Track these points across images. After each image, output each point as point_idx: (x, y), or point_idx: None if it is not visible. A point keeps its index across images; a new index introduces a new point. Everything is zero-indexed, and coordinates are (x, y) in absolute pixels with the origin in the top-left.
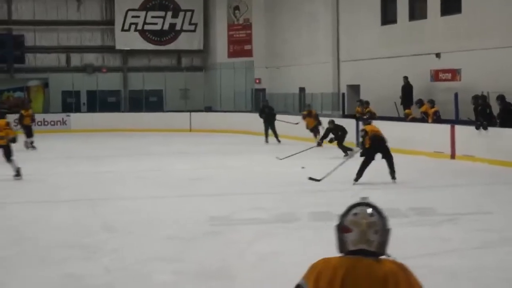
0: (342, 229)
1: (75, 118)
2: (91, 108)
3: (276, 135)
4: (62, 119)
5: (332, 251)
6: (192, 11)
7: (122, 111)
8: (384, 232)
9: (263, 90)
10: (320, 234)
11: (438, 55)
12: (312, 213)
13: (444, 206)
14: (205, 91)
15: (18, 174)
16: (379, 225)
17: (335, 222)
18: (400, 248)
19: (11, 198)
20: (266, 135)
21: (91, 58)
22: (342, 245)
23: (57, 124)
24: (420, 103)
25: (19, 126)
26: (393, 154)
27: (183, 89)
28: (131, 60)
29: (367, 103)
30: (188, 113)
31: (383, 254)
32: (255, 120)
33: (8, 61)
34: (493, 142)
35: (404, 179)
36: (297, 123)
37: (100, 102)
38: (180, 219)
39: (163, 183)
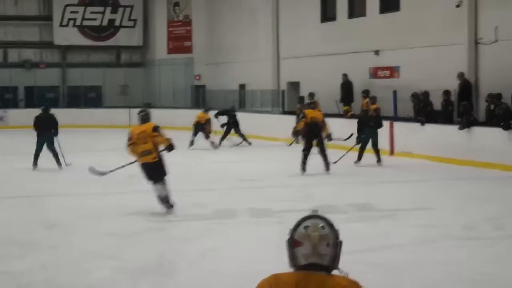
0: (293, 243)
1: (12, 114)
2: (29, 104)
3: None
4: None
5: (270, 248)
6: (132, 6)
7: (60, 107)
8: (336, 246)
9: (203, 86)
10: (258, 230)
11: (377, 52)
12: (251, 209)
13: (384, 202)
14: (144, 87)
15: (169, 206)
16: (331, 238)
17: (274, 219)
18: None
19: None
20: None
21: (29, 54)
22: (293, 260)
23: None
24: (367, 93)
25: None
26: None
27: (122, 85)
28: (69, 56)
29: (312, 95)
30: (128, 109)
31: (335, 268)
32: (194, 116)
33: None
34: (431, 138)
35: (343, 175)
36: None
37: (39, 98)
38: (119, 215)
39: (100, 180)
